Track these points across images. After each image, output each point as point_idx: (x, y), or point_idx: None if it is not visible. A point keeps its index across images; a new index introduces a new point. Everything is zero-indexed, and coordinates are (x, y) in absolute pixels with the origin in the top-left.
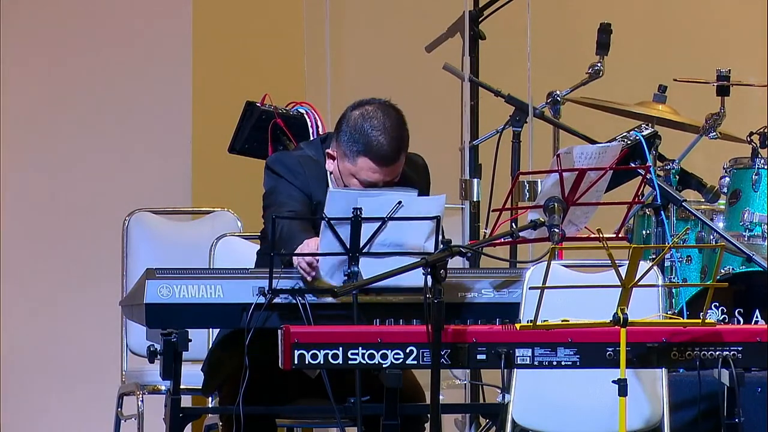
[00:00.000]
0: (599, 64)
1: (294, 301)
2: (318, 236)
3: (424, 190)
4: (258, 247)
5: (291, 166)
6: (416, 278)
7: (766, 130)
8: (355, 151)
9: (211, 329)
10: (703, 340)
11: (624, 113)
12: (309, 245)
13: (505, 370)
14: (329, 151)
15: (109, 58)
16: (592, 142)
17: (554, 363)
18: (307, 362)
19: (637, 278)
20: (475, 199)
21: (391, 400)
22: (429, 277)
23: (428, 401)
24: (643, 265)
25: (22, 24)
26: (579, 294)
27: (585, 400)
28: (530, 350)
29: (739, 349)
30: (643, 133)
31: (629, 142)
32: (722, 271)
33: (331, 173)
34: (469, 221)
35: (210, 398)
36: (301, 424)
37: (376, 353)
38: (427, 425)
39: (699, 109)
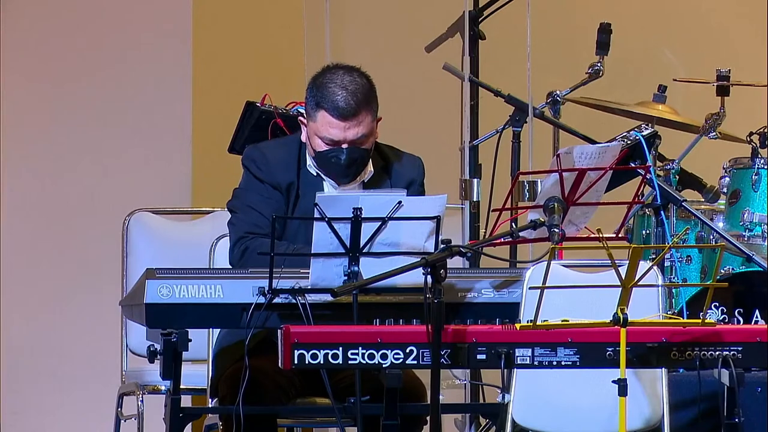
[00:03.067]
0: (599, 64)
1: (294, 301)
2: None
3: (417, 186)
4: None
5: (257, 159)
6: (416, 278)
7: (766, 130)
8: (314, 105)
9: (211, 329)
10: (703, 340)
11: (624, 113)
12: None
13: (505, 370)
14: (301, 118)
15: (109, 58)
16: (592, 142)
17: (554, 363)
18: (307, 362)
19: (637, 278)
20: (475, 199)
21: (391, 400)
22: (429, 277)
23: (428, 401)
24: (643, 265)
25: (22, 24)
26: (579, 294)
27: (585, 400)
28: (530, 350)
29: (739, 349)
30: (643, 133)
31: (629, 142)
32: (722, 271)
33: (304, 143)
34: (469, 221)
35: (210, 398)
36: (301, 424)
37: (376, 353)
38: (427, 426)
39: (699, 109)
